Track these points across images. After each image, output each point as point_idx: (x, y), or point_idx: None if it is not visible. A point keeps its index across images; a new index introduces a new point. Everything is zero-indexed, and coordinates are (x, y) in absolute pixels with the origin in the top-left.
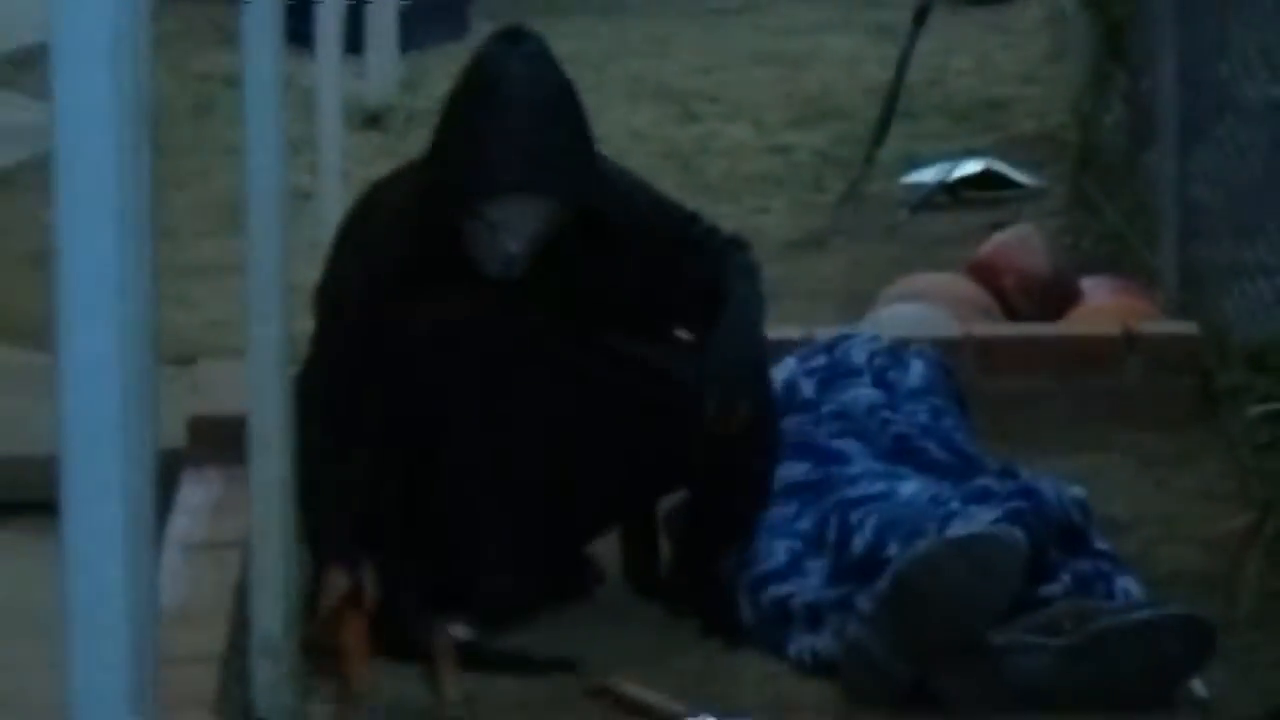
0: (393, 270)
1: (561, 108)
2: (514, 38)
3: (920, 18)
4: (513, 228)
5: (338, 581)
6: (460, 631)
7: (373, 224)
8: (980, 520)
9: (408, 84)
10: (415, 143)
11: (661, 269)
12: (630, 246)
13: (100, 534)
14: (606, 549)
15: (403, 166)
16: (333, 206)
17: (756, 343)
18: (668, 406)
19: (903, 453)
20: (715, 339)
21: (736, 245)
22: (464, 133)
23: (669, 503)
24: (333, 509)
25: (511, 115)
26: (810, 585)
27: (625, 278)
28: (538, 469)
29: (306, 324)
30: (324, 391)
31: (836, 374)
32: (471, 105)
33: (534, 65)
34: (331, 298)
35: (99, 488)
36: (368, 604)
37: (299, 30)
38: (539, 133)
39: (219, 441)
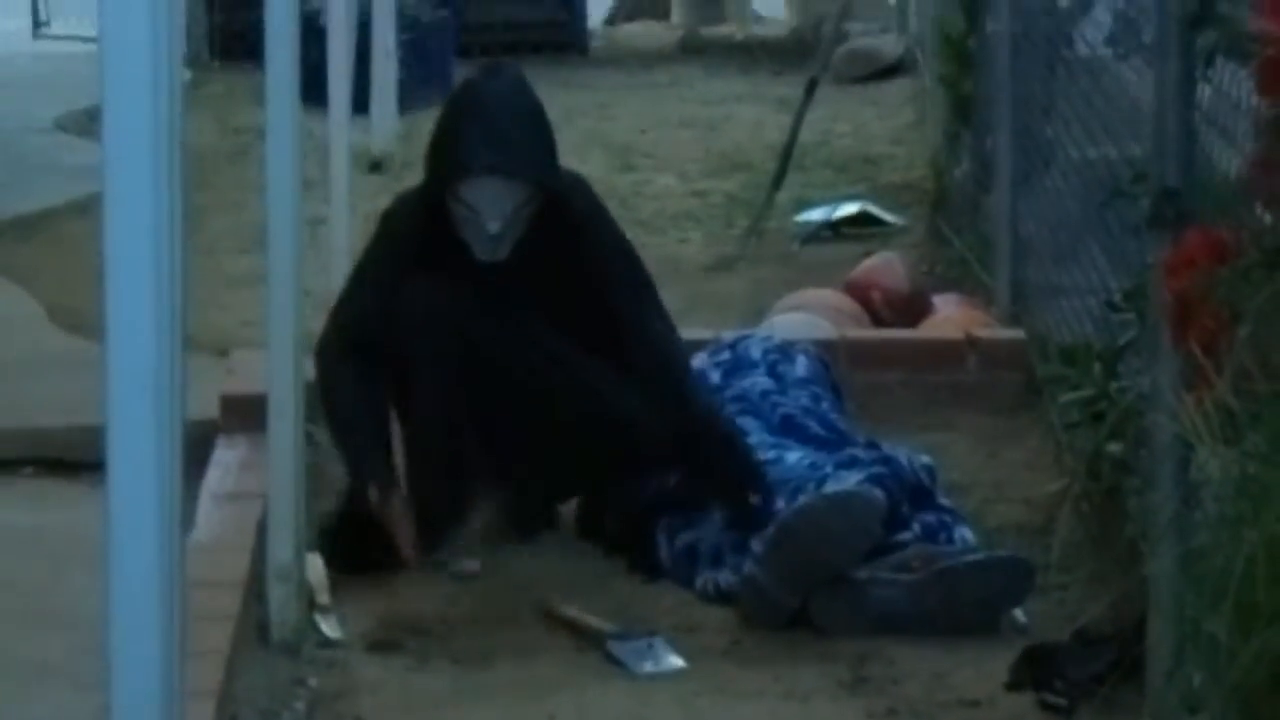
0: (404, 251)
1: (526, 112)
2: (494, 68)
3: (810, 91)
4: (488, 208)
5: (385, 499)
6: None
7: (393, 220)
8: (849, 481)
9: (404, 137)
10: (410, 183)
11: (597, 282)
12: (585, 240)
13: (137, 489)
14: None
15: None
16: (342, 232)
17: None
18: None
19: (789, 429)
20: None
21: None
22: (445, 134)
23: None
24: (367, 442)
25: (482, 115)
26: (714, 531)
27: (579, 270)
28: (518, 433)
29: (317, 324)
30: (349, 346)
31: (738, 366)
32: (453, 113)
33: (507, 84)
34: (356, 271)
35: (136, 451)
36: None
37: (317, 93)
38: (504, 127)
39: (245, 414)
